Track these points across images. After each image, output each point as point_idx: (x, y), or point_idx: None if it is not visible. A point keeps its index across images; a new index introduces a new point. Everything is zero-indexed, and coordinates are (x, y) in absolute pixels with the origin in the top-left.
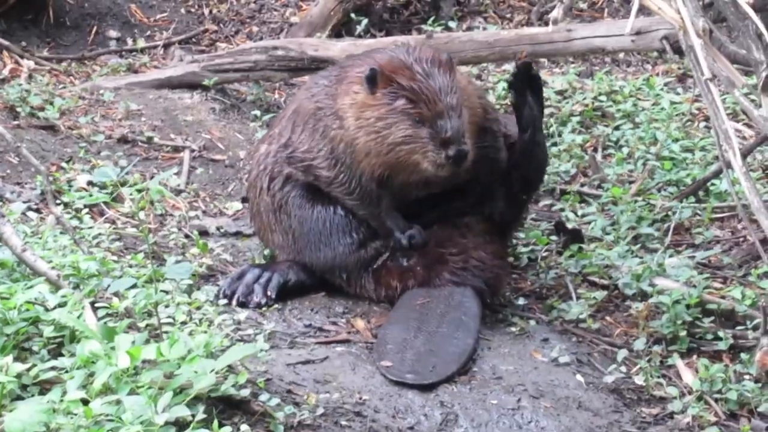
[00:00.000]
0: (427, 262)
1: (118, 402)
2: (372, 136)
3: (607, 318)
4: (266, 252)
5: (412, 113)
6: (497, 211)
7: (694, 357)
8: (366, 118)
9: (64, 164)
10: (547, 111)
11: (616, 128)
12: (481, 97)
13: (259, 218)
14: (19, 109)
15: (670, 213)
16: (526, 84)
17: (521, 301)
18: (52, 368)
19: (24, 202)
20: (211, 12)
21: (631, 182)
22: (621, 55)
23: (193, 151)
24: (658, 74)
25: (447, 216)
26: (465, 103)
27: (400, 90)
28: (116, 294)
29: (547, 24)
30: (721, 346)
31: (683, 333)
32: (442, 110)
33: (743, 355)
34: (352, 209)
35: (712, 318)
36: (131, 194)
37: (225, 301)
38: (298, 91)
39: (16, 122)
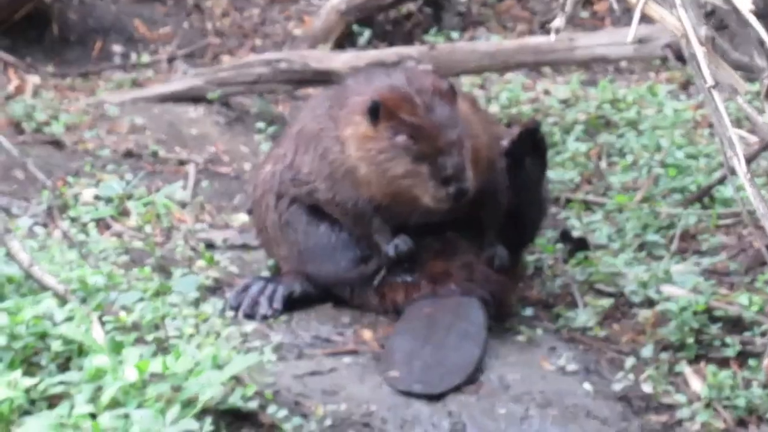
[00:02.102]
0: (432, 276)
1: (126, 416)
2: (373, 167)
3: (615, 326)
4: (272, 263)
5: (413, 149)
6: (493, 254)
7: (702, 364)
8: (367, 150)
9: (70, 179)
10: (551, 120)
11: (620, 136)
12: (486, 127)
13: (266, 233)
14: (24, 125)
15: (675, 220)
16: (527, 151)
17: (528, 310)
18: (60, 382)
19: (31, 218)
20: (214, 26)
21: (635, 190)
22: (624, 64)
23: (198, 164)
24: (661, 82)
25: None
26: (468, 133)
27: (401, 125)
28: (123, 308)
29: (549, 33)
30: (729, 352)
31: (691, 340)
32: (443, 147)
33: (751, 362)
34: (347, 228)
35: (720, 324)
36: (137, 208)
37: (232, 313)
38: (303, 109)
39: (21, 138)
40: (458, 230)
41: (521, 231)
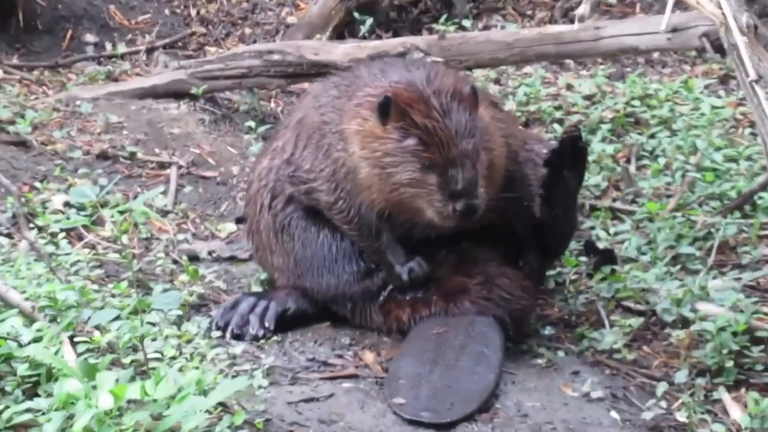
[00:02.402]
0: (448, 291)
1: None
2: (376, 170)
3: (645, 348)
4: (263, 277)
5: (422, 156)
6: (529, 265)
7: (743, 390)
8: (372, 150)
9: (37, 184)
10: (574, 118)
11: (652, 136)
12: (509, 136)
13: (258, 237)
14: None
15: (713, 230)
16: (568, 161)
17: (548, 330)
18: (27, 410)
19: None
20: (198, 13)
21: (668, 196)
22: (655, 55)
23: (180, 167)
24: (697, 76)
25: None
26: (486, 145)
27: (413, 127)
28: (97, 327)
29: (572, 21)
30: None
31: (730, 364)
32: (455, 157)
33: None
34: (351, 239)
35: (762, 347)
36: (113, 216)
37: (218, 333)
38: (306, 96)
39: None
40: (475, 239)
41: (549, 246)
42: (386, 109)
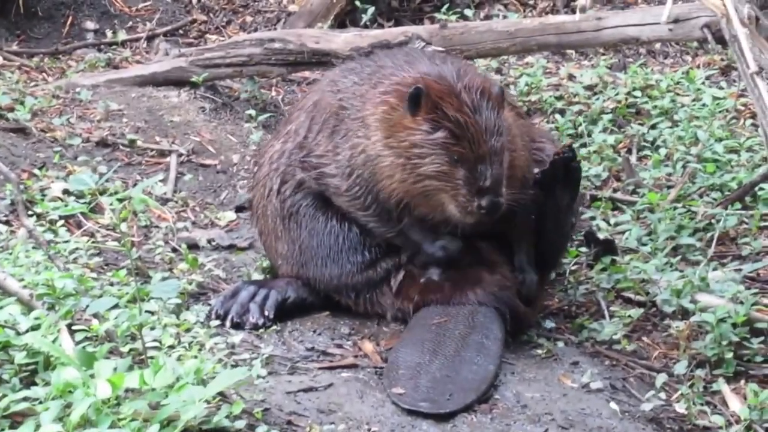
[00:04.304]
0: (463, 280)
1: None
2: (401, 160)
3: (644, 339)
4: (265, 264)
5: (452, 150)
6: (523, 280)
7: (742, 382)
8: (399, 140)
9: (36, 171)
10: (575, 108)
11: (653, 127)
12: (527, 138)
13: (264, 222)
14: None
15: (713, 221)
16: (560, 179)
17: (548, 321)
18: (25, 399)
19: None
20: (199, 0)
21: (669, 187)
22: (657, 46)
23: (180, 155)
24: (698, 66)
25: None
26: (509, 146)
27: (444, 120)
28: (96, 315)
29: (574, 11)
30: None
31: (729, 355)
32: (486, 153)
33: None
34: (366, 225)
35: (762, 338)
36: (112, 204)
37: (217, 322)
38: (322, 80)
39: None
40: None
41: (544, 257)
42: (417, 99)
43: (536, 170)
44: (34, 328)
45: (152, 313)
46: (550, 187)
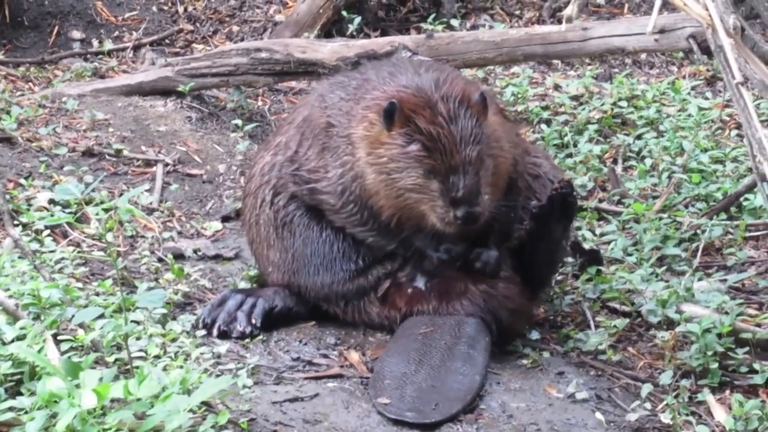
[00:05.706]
0: (447, 290)
1: None
2: (382, 176)
3: (630, 349)
4: (252, 273)
5: (425, 162)
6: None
7: (727, 392)
8: (378, 156)
9: (22, 181)
10: (561, 118)
11: (638, 137)
12: (514, 142)
13: (256, 230)
14: None
15: (698, 231)
16: (556, 214)
17: (534, 331)
18: (10, 409)
19: None
20: (186, 10)
21: (655, 197)
22: (643, 56)
23: (166, 165)
24: (684, 77)
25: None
26: (492, 151)
27: (416, 133)
28: (81, 325)
29: (560, 22)
30: (757, 379)
31: (714, 365)
32: (458, 165)
33: None
34: (365, 240)
35: (747, 348)
36: (98, 214)
37: (204, 331)
38: (311, 93)
39: None
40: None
41: (535, 279)
42: (392, 114)
43: (533, 203)
44: (20, 337)
45: (138, 323)
46: (545, 223)
